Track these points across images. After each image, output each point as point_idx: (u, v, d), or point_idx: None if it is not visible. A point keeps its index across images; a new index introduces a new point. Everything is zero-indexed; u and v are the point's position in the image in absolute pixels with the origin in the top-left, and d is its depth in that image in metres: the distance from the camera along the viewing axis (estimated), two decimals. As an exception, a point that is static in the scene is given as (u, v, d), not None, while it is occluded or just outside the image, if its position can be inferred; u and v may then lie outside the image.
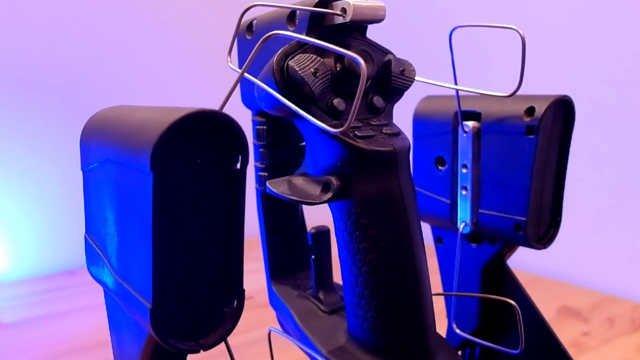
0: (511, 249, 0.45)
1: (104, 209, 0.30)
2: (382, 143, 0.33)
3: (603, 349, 0.63)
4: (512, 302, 0.38)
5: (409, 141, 0.35)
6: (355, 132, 0.33)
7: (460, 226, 0.44)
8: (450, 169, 0.45)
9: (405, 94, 0.39)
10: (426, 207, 0.47)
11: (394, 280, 0.33)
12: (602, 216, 0.83)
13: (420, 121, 0.47)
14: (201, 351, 0.27)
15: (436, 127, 0.45)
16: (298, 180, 0.35)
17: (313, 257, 0.40)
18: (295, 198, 0.34)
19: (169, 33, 1.07)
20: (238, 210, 0.27)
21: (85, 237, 0.33)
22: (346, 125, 0.29)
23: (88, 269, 0.34)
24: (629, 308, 0.74)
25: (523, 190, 0.40)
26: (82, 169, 0.33)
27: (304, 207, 0.44)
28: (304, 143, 0.42)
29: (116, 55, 1.01)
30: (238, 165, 0.26)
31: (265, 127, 0.41)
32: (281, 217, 0.43)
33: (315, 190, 0.34)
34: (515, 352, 0.38)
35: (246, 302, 0.84)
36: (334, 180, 0.33)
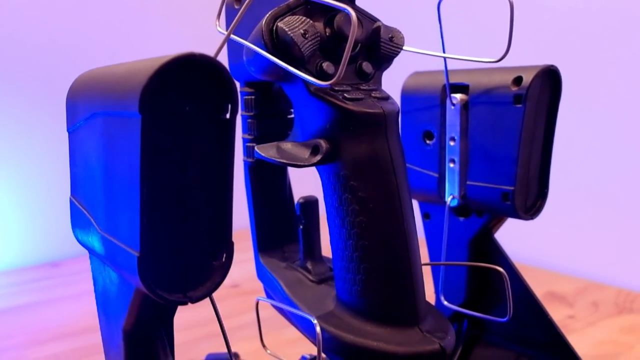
0: (499, 221, 0.45)
1: (90, 166, 0.29)
2: (371, 105, 0.33)
3: (588, 330, 0.64)
4: (500, 269, 0.39)
5: (398, 106, 0.35)
6: (345, 94, 0.33)
7: (448, 199, 0.44)
8: (438, 143, 0.45)
9: (393, 70, 0.39)
10: (414, 182, 0.47)
11: (383, 241, 0.33)
12: (586, 206, 0.83)
13: (407, 96, 0.47)
14: (189, 304, 0.27)
15: (424, 102, 0.46)
16: (287, 145, 0.35)
17: (301, 227, 0.40)
18: (284, 161, 0.34)
19: (154, 17, 1.06)
20: (227, 161, 0.26)
21: (70, 200, 0.33)
22: (335, 77, 0.29)
23: (74, 233, 0.34)
24: (613, 293, 0.75)
25: (510, 160, 0.40)
26: (68, 130, 0.32)
27: (292, 179, 0.44)
28: (292, 115, 0.42)
29: (99, 33, 0.99)
30: (227, 115, 0.26)
31: (253, 97, 0.41)
32: (269, 189, 0.43)
33: (304, 153, 0.34)
34: (504, 320, 0.38)
35: (233, 290, 0.84)
36: (323, 143, 0.33)
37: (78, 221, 0.32)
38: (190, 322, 0.66)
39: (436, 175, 0.45)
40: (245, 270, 0.84)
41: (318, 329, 0.30)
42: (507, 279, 0.38)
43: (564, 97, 0.42)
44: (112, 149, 0.26)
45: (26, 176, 0.94)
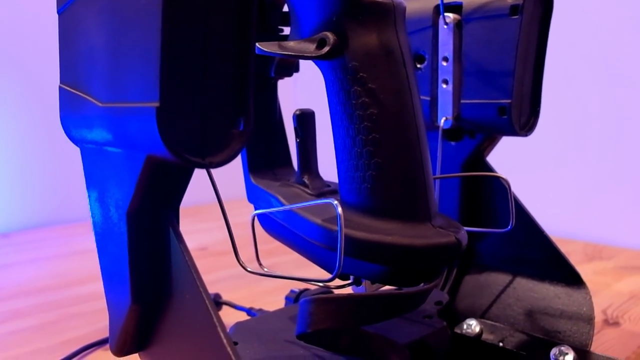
0: (491, 142, 0.44)
1: (89, 38, 0.27)
2: None
3: (563, 275, 0.64)
4: (502, 175, 0.38)
5: (405, 4, 0.34)
6: None
7: (441, 121, 0.44)
8: (430, 65, 0.44)
9: None
10: (404, 109, 0.46)
11: (395, 133, 0.32)
12: (551, 167, 0.85)
13: (396, 22, 0.46)
14: (209, 169, 0.25)
15: (414, 25, 0.45)
16: (289, 43, 0.34)
17: (298, 140, 0.39)
18: (290, 53, 0.32)
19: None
20: (248, 24, 0.25)
21: (60, 88, 0.30)
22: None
23: (64, 128, 0.31)
24: (581, 246, 0.76)
25: (507, 73, 0.40)
26: (58, 12, 0.30)
27: (281, 102, 0.43)
28: (283, 33, 0.41)
29: None
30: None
31: (245, 7, 0.39)
32: (259, 108, 0.41)
33: (310, 47, 0.33)
34: (507, 229, 0.38)
35: (202, 252, 0.81)
36: (330, 35, 0.32)
37: (70, 110, 0.30)
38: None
39: (428, 98, 0.44)
40: (212, 236, 0.82)
41: (340, 209, 0.28)
42: (509, 186, 0.38)
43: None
44: (124, 4, 0.24)
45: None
